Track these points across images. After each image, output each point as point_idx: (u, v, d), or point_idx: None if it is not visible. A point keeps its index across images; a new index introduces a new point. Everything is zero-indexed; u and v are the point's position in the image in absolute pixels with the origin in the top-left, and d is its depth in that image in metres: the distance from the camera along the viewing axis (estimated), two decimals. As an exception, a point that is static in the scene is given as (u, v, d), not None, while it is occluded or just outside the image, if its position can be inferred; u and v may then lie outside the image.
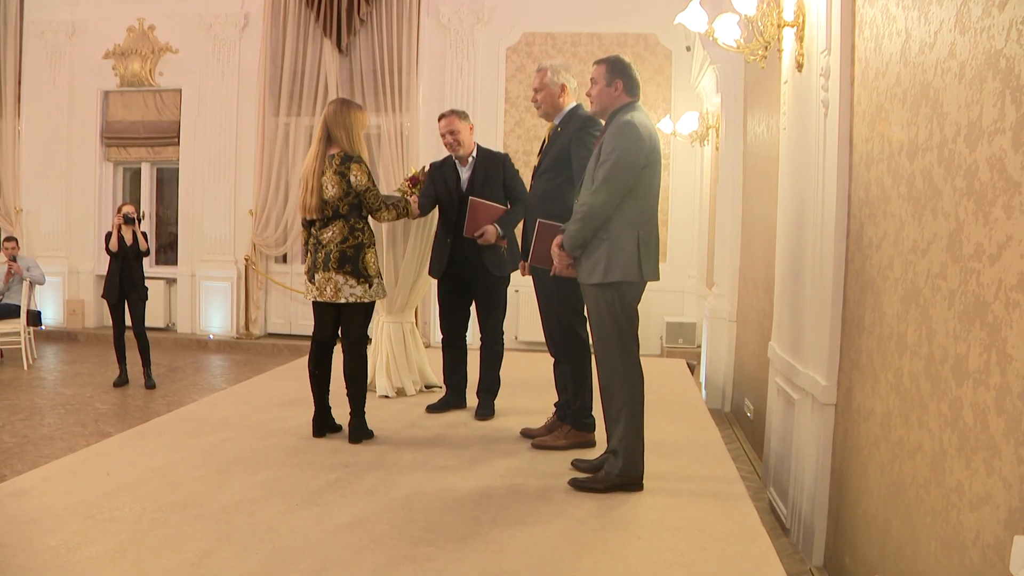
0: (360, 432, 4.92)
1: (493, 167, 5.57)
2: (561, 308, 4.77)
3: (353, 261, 4.84)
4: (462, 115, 5.59)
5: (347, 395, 4.96)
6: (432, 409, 5.74)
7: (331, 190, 4.81)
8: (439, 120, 5.64)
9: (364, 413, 4.98)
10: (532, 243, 4.48)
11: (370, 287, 4.89)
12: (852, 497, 3.71)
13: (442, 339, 5.88)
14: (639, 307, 4.18)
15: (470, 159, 5.59)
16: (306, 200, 4.90)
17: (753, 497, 4.29)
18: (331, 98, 10.76)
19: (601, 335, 4.13)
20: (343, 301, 4.85)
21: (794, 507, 4.48)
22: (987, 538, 2.34)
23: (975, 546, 2.41)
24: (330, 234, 4.88)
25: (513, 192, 5.54)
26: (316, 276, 4.90)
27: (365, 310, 4.97)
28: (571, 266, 4.20)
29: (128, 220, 8.13)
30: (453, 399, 5.79)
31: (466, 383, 5.84)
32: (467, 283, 5.60)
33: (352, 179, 4.80)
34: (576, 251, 4.12)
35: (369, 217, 5.01)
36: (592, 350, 4.51)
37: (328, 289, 4.86)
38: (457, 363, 5.83)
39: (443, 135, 5.57)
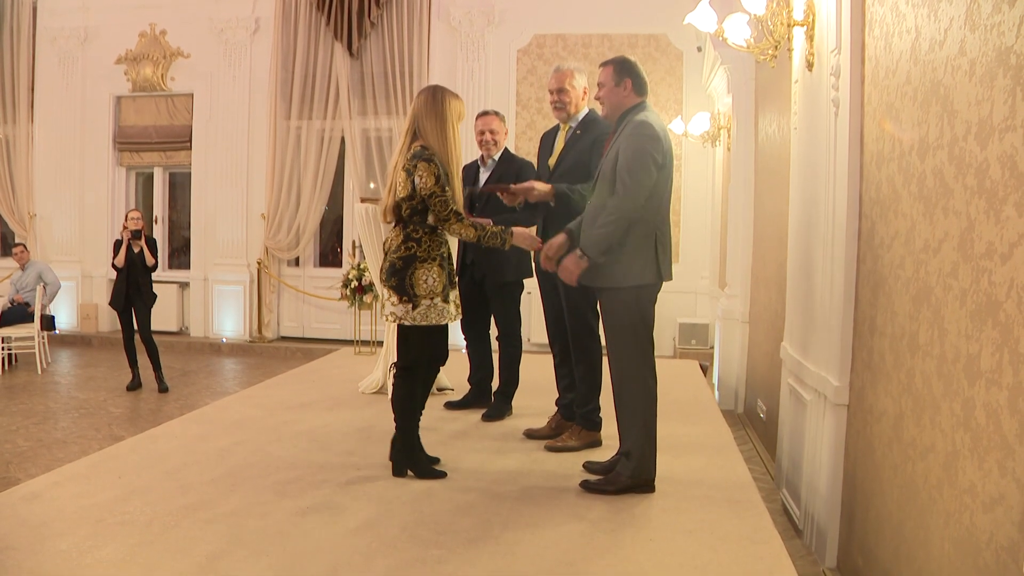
0: (400, 464, 4.37)
1: (509, 170, 5.48)
2: (585, 307, 4.72)
3: (400, 275, 4.19)
4: (501, 116, 5.59)
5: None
6: (451, 406, 5.80)
7: (400, 190, 4.21)
8: (477, 118, 5.59)
9: (412, 447, 4.36)
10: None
11: (414, 308, 4.18)
12: (865, 498, 3.69)
13: (464, 339, 5.93)
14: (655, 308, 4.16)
15: (490, 161, 5.59)
16: (384, 200, 4.37)
17: (766, 499, 4.27)
18: (342, 101, 10.87)
19: (617, 337, 4.10)
20: (387, 320, 4.41)
21: (807, 509, 4.45)
22: (1001, 540, 2.31)
23: (989, 548, 2.38)
24: (389, 240, 4.37)
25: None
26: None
27: (417, 333, 4.27)
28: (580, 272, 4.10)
29: (136, 235, 8.21)
30: (473, 398, 5.83)
31: (488, 383, 5.86)
32: (478, 286, 5.61)
33: (416, 180, 4.14)
34: (600, 258, 3.98)
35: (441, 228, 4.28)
36: (604, 351, 4.49)
37: (384, 303, 4.38)
38: (478, 363, 5.87)
39: (480, 132, 5.52)
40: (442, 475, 4.34)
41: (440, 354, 4.46)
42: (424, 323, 4.21)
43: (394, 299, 4.22)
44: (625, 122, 4.09)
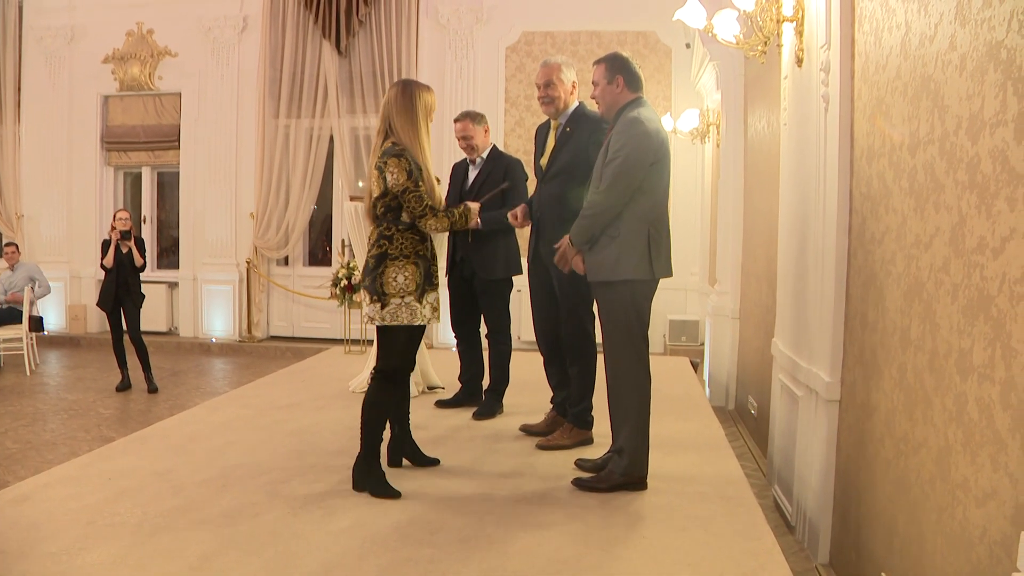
0: (360, 477, 4.07)
1: (497, 168, 5.54)
2: (580, 308, 4.72)
3: (372, 274, 4.05)
4: (476, 118, 5.58)
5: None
6: (441, 404, 5.80)
7: (375, 189, 4.10)
8: (455, 122, 5.64)
9: (372, 462, 4.07)
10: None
11: (383, 307, 4.01)
12: (857, 494, 3.69)
13: (455, 337, 5.92)
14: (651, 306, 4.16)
15: (478, 159, 5.61)
16: (367, 204, 4.21)
17: (758, 495, 4.27)
18: (331, 100, 10.84)
19: (611, 334, 4.10)
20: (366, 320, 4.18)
21: (799, 504, 4.46)
22: (994, 534, 2.31)
23: (982, 542, 2.39)
24: (367, 240, 4.29)
25: (509, 195, 5.32)
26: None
27: (393, 334, 4.08)
28: (580, 262, 4.17)
29: (125, 236, 8.17)
30: (464, 397, 5.83)
31: (479, 381, 5.86)
32: (467, 283, 5.60)
33: (388, 176, 4.01)
34: (583, 246, 4.10)
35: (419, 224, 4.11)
36: (599, 348, 4.48)
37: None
38: (468, 361, 5.87)
39: (458, 138, 5.60)
40: (397, 494, 3.97)
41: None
42: (393, 323, 4.03)
43: (368, 299, 4.10)
44: (619, 119, 4.08)
